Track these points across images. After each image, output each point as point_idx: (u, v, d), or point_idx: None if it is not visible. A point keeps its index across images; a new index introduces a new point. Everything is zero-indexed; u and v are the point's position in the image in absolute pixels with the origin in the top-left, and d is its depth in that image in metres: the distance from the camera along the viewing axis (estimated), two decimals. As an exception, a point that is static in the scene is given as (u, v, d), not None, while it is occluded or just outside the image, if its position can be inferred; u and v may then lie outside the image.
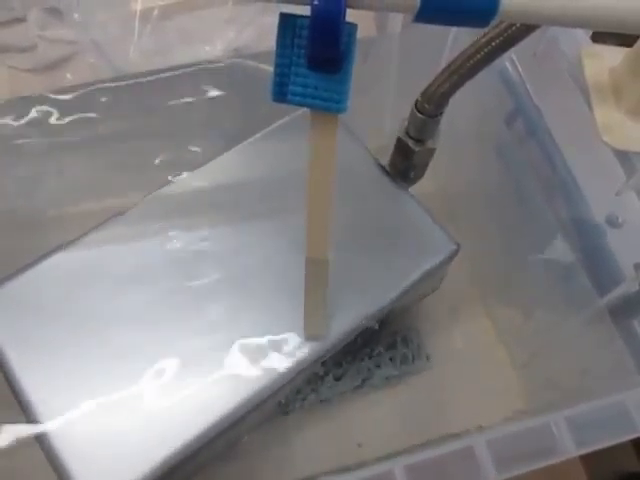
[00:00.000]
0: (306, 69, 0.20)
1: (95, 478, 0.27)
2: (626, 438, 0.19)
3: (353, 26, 0.19)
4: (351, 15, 0.19)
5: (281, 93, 0.20)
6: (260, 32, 0.49)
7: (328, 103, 0.20)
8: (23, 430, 0.27)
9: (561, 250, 0.33)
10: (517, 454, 0.19)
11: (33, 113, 0.37)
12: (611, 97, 0.24)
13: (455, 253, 0.33)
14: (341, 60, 0.20)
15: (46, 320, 0.30)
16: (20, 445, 0.28)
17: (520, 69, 0.34)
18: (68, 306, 0.30)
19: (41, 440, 0.27)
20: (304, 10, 0.19)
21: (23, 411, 0.28)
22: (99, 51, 0.48)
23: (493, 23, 0.19)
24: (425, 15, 0.18)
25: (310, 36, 0.19)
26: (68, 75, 0.48)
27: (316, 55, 0.19)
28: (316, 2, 0.18)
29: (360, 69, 0.21)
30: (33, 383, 0.28)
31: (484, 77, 0.27)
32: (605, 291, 0.30)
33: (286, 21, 0.20)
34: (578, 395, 0.25)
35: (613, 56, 0.24)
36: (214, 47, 0.49)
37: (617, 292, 0.28)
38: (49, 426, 0.27)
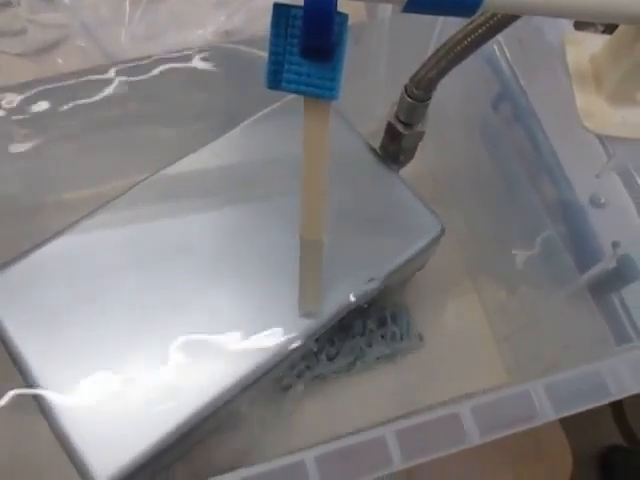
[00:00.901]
0: (299, 57, 0.21)
1: (101, 451, 0.28)
2: (600, 403, 0.20)
3: (344, 16, 0.20)
4: (342, 2, 0.20)
5: (275, 81, 0.21)
6: (250, 15, 0.50)
7: (321, 90, 0.21)
8: (30, 407, 0.28)
9: (545, 229, 0.34)
10: (499, 419, 0.20)
11: (30, 99, 0.37)
12: (592, 83, 0.24)
13: (442, 234, 0.34)
14: (333, 49, 0.20)
15: (49, 302, 0.30)
16: (27, 421, 0.29)
17: (507, 53, 0.34)
18: (70, 288, 0.31)
19: (48, 416, 0.28)
20: (297, 0, 0.20)
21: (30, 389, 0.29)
22: (90, 35, 0.48)
23: (478, 12, 0.20)
24: (413, 6, 0.19)
25: (303, 26, 0.20)
26: (59, 60, 0.48)
27: (309, 44, 0.20)
28: (309, -7, 0.19)
29: (351, 54, 0.22)
30: (39, 363, 0.29)
31: (471, 61, 0.28)
32: (587, 268, 0.31)
33: (280, 11, 0.21)
34: (560, 367, 0.26)
35: (594, 43, 0.25)
36: (205, 30, 0.50)
37: (596, 269, 0.29)
38: (55, 403, 0.28)
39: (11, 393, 0.30)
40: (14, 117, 0.37)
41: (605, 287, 0.29)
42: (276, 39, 0.21)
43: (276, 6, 0.21)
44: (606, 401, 0.20)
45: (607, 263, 0.28)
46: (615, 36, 0.24)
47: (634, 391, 0.21)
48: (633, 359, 0.21)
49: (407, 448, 0.19)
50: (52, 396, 0.28)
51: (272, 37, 0.21)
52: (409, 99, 0.30)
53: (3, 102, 0.38)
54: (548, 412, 0.20)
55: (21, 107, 0.37)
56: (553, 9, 0.19)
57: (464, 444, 0.20)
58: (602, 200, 0.32)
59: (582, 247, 0.32)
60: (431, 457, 0.19)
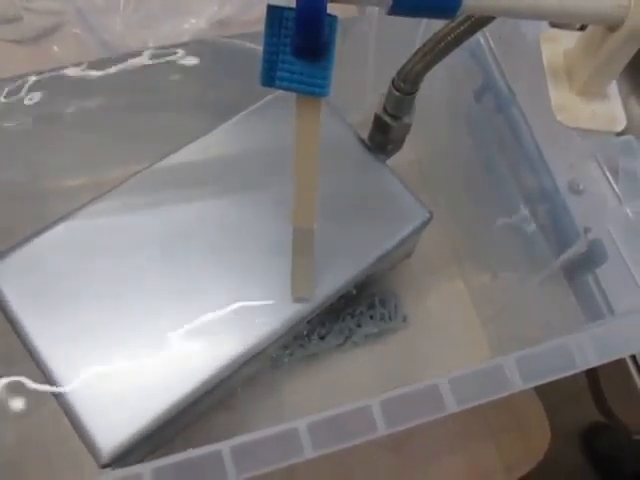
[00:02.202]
0: (292, 57, 0.22)
1: (106, 425, 0.30)
2: (566, 374, 0.22)
3: (334, 18, 0.22)
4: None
5: (269, 78, 0.23)
6: (242, 4, 0.50)
7: (312, 88, 0.22)
8: (40, 387, 0.30)
9: (524, 216, 0.36)
10: (475, 390, 0.22)
11: (31, 89, 0.38)
12: (565, 79, 0.26)
13: (428, 221, 0.35)
14: (324, 49, 0.22)
15: (54, 285, 0.32)
16: (39, 398, 0.30)
17: (492, 46, 0.36)
18: (74, 272, 0.32)
19: (56, 394, 0.30)
20: (290, 2, 0.21)
21: (39, 369, 0.31)
22: (85, 23, 0.49)
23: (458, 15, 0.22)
24: (397, 10, 0.21)
25: (295, 27, 0.21)
26: (55, 47, 0.49)
27: (301, 44, 0.22)
28: (301, -4, 0.20)
29: (341, 48, 0.23)
30: (45, 342, 0.31)
31: (456, 54, 0.29)
32: (565, 252, 0.33)
33: (273, 12, 0.22)
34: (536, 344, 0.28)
35: (569, 40, 0.27)
36: (199, 19, 0.50)
37: (569, 254, 0.31)
38: (62, 380, 0.30)
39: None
40: (16, 106, 0.38)
41: (577, 270, 0.31)
42: (270, 39, 0.22)
43: (270, 8, 0.22)
44: (571, 372, 0.22)
45: (579, 248, 0.30)
46: (586, 34, 0.25)
47: (596, 364, 0.23)
48: (596, 335, 0.23)
49: (391, 416, 0.21)
50: (59, 374, 0.30)
51: (266, 37, 0.22)
52: (396, 92, 0.32)
53: (5, 91, 0.39)
54: (518, 383, 0.22)
55: (23, 96, 0.38)
56: (524, 12, 0.21)
57: (443, 412, 0.22)
58: (580, 187, 0.34)
59: (560, 232, 0.34)
60: (413, 424, 0.21)
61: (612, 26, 0.22)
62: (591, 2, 0.22)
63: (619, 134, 0.27)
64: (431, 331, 0.44)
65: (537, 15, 0.21)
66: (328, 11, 0.21)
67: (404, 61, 0.31)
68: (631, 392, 0.48)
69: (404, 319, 0.44)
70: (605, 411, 0.63)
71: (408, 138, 0.36)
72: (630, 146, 0.28)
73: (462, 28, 0.27)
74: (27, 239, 0.33)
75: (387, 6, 0.20)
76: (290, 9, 0.21)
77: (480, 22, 0.26)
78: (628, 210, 0.28)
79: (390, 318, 0.43)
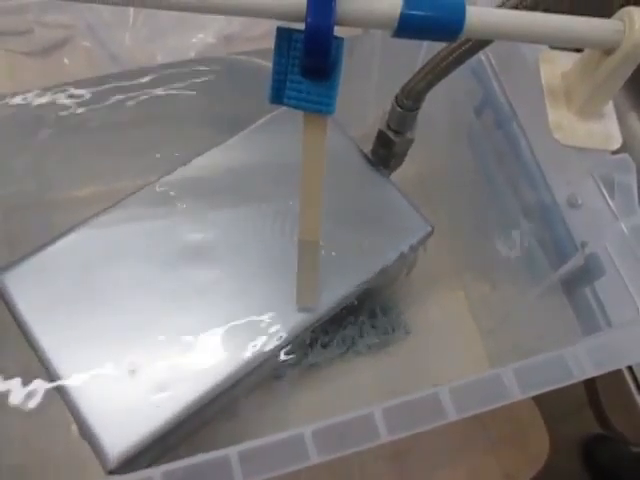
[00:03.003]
0: (300, 76, 0.23)
1: (113, 431, 0.30)
2: (563, 384, 0.23)
3: (341, 40, 0.23)
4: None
5: (278, 96, 0.24)
6: (249, 20, 0.51)
7: (319, 106, 0.23)
8: (49, 390, 0.31)
9: (524, 229, 0.37)
10: (474, 398, 0.23)
11: (41, 100, 0.39)
12: (562, 98, 0.27)
13: (430, 234, 0.36)
14: (330, 69, 0.23)
15: (65, 293, 0.33)
16: (47, 403, 0.31)
17: (493, 65, 0.37)
18: (84, 281, 0.33)
19: (65, 399, 0.31)
20: (299, 25, 0.22)
21: (48, 375, 0.31)
22: (95, 37, 0.50)
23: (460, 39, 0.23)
24: (402, 33, 0.22)
25: (303, 48, 0.22)
26: (65, 59, 0.50)
27: (309, 65, 0.23)
28: (309, 19, 0.21)
29: (346, 64, 0.24)
30: (55, 349, 0.31)
31: (457, 70, 0.30)
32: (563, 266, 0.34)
33: (282, 34, 0.23)
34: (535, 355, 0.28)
35: (567, 61, 0.28)
36: (207, 34, 0.51)
37: (567, 267, 0.32)
38: (71, 386, 0.31)
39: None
40: (26, 117, 0.39)
41: (575, 283, 0.32)
42: (279, 59, 0.23)
43: (279, 30, 0.23)
44: (568, 383, 0.23)
45: (576, 261, 0.31)
46: (583, 57, 0.26)
47: (593, 374, 0.23)
48: (592, 346, 0.24)
49: (393, 423, 0.22)
50: (68, 380, 0.31)
51: (275, 57, 0.23)
52: (399, 109, 0.33)
53: (15, 102, 0.40)
54: (516, 392, 0.23)
55: (33, 107, 0.39)
56: (523, 36, 0.22)
57: (443, 420, 0.22)
58: (579, 201, 0.34)
59: (559, 246, 0.34)
60: (414, 431, 0.22)
61: (608, 50, 0.23)
62: (588, 27, 0.23)
63: (614, 152, 0.28)
64: (432, 341, 0.45)
65: (536, 40, 0.22)
66: (335, 33, 0.22)
67: (407, 78, 0.32)
68: (629, 404, 0.48)
69: (405, 329, 0.45)
70: (604, 423, 0.63)
71: (410, 153, 0.37)
72: (625, 164, 0.29)
73: (463, 49, 0.28)
74: (38, 248, 0.34)
75: (392, 30, 0.21)
76: (299, 31, 0.22)
77: (480, 44, 0.27)
78: (623, 226, 0.28)
79: (392, 329, 0.44)
